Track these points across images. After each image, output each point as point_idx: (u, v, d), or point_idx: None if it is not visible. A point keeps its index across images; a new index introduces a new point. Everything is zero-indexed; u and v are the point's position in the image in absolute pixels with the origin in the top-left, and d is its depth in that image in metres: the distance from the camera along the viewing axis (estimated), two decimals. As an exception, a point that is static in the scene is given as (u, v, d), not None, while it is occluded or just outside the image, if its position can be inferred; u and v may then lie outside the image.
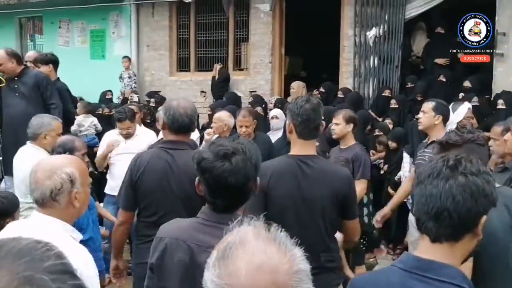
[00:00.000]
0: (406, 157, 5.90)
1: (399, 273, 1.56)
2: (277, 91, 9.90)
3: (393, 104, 7.78)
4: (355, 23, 8.98)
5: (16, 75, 5.63)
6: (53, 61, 6.53)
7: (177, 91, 10.63)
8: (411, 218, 4.72)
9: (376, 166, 6.52)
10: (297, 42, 10.65)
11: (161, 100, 9.19)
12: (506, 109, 6.72)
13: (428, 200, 1.54)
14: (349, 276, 3.88)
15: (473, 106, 6.42)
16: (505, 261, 2.25)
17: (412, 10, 8.65)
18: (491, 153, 3.91)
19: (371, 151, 6.68)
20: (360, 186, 4.73)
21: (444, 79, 8.29)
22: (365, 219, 5.30)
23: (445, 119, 4.63)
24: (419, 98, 7.69)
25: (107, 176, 5.84)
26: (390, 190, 6.16)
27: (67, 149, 3.72)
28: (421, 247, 1.60)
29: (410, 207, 5.25)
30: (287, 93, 9.41)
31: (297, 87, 8.62)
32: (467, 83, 7.75)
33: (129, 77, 10.92)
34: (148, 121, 7.59)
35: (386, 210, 4.90)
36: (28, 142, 4.37)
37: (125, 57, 11.00)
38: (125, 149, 5.42)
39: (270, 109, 7.84)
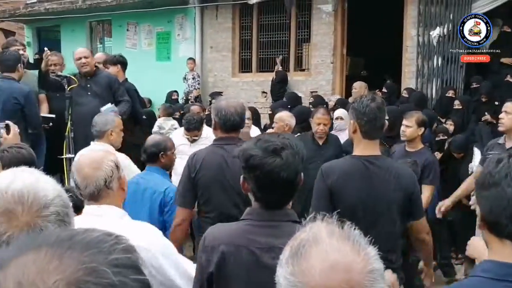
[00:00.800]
0: (477, 153, 5.75)
1: (490, 283, 1.45)
2: (338, 92, 9.89)
3: (457, 105, 7.59)
4: (418, 22, 8.87)
5: (90, 75, 5.92)
6: (122, 62, 6.77)
7: (239, 92, 10.81)
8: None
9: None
10: (359, 42, 10.60)
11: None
12: None
13: (511, 203, 1.44)
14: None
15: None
16: None
17: (478, 9, 8.42)
18: None
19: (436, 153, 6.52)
20: (428, 192, 4.64)
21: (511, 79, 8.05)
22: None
23: None
24: (484, 99, 7.50)
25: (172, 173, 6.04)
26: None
27: (161, 149, 3.91)
28: (503, 252, 1.49)
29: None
30: (348, 93, 9.39)
31: (359, 87, 8.59)
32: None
33: (193, 78, 11.19)
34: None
35: (447, 202, 4.82)
36: (92, 143, 4.43)
37: (190, 58, 11.29)
38: (190, 152, 5.60)
39: (331, 108, 7.84)
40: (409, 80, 9.07)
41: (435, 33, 8.67)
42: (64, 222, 1.19)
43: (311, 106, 8.09)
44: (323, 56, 10.07)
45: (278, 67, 10.40)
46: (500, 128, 4.51)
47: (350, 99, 8.33)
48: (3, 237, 1.11)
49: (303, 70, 10.70)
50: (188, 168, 3.41)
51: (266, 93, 10.65)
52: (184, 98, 10.94)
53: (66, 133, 5.31)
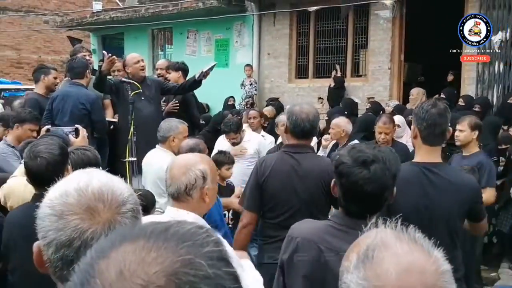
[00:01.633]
0: None
1: None
2: (395, 98, 9.79)
3: (519, 111, 7.41)
4: (479, 27, 8.68)
5: (142, 80, 6.08)
6: (183, 69, 7.00)
7: (295, 98, 10.86)
8: None
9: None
10: (417, 48, 10.46)
11: (279, 107, 9.48)
12: None
13: None
14: None
15: None
16: None
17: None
18: None
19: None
20: (486, 195, 4.50)
21: None
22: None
23: None
24: (548, 106, 7.27)
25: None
26: None
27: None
28: None
29: None
30: (405, 100, 9.30)
31: (417, 94, 8.50)
32: None
33: (250, 84, 11.35)
34: (265, 125, 7.87)
35: None
36: (157, 146, 4.70)
37: (247, 65, 11.47)
38: None
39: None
40: (468, 86, 8.89)
41: (497, 37, 8.46)
42: (137, 218, 1.25)
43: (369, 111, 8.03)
44: (380, 62, 10.01)
45: (337, 73, 10.40)
46: None
47: (408, 106, 8.26)
48: (87, 232, 1.17)
49: (360, 76, 10.66)
50: (256, 173, 3.43)
51: (322, 99, 10.68)
52: (244, 104, 11.10)
53: (129, 137, 5.50)
